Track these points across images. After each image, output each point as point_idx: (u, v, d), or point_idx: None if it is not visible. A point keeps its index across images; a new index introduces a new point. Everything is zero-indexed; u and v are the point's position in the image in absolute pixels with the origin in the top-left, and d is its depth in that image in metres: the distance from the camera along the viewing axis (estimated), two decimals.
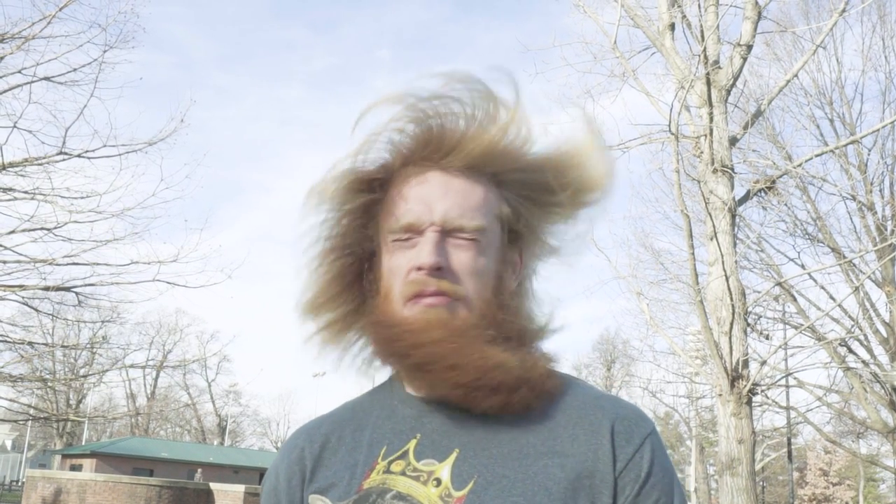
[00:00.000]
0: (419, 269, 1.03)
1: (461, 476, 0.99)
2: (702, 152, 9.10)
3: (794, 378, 13.41)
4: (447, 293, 1.02)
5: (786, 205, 14.06)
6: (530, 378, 1.02)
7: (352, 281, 1.12)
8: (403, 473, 1.02)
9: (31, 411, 15.66)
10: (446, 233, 1.04)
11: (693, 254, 8.18)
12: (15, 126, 9.98)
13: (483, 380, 0.99)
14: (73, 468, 36.65)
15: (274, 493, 1.11)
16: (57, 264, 10.66)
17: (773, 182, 9.52)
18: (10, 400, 14.61)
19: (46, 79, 10.23)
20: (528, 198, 1.11)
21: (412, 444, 1.04)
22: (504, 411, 1.01)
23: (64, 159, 10.37)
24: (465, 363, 0.99)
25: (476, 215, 1.05)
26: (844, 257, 13.66)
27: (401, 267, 1.05)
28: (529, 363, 1.03)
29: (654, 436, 1.05)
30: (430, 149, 1.07)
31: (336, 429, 1.11)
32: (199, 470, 38.30)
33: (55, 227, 10.51)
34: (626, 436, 1.02)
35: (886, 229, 14.74)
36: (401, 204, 1.07)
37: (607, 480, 0.99)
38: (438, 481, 1.00)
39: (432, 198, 1.05)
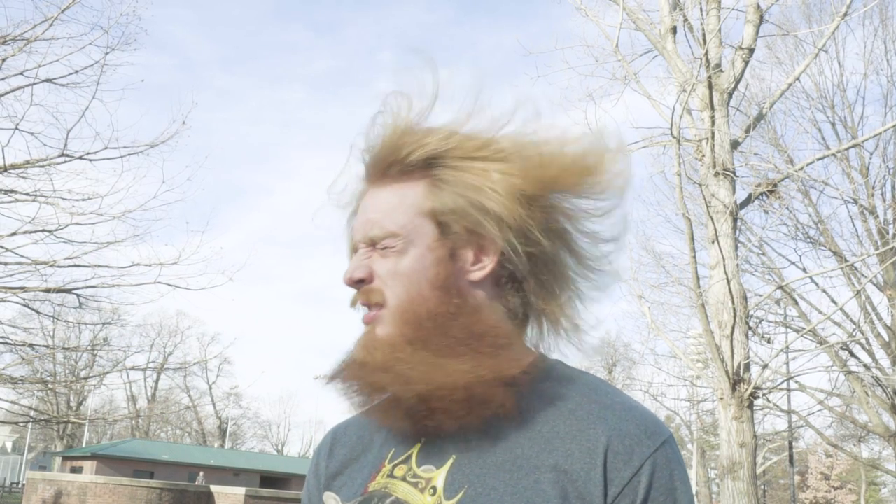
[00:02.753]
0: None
1: (453, 485, 0.98)
2: (703, 156, 9.09)
3: (796, 382, 13.39)
4: (368, 303, 1.04)
5: (787, 208, 14.04)
6: (477, 385, 0.96)
7: None
8: (404, 479, 1.01)
9: (32, 413, 15.62)
10: (373, 246, 1.05)
11: (694, 257, 8.17)
12: (17, 128, 9.96)
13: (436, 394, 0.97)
14: (74, 470, 36.67)
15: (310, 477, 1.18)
16: (58, 266, 10.65)
17: (775, 185, 9.50)
18: (11, 402, 14.56)
19: (48, 81, 10.21)
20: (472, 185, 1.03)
21: (415, 449, 1.03)
22: (459, 420, 0.98)
23: (65, 161, 10.36)
24: (400, 379, 0.98)
25: (388, 221, 1.03)
26: (846, 261, 13.61)
27: None
28: (486, 366, 0.96)
29: (662, 452, 0.97)
30: (367, 169, 1.10)
31: (361, 430, 1.14)
32: (201, 473, 38.24)
33: (56, 229, 10.49)
34: (625, 457, 0.95)
35: (888, 233, 14.72)
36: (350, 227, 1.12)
37: None
38: (434, 489, 0.99)
39: (361, 214, 1.07)
